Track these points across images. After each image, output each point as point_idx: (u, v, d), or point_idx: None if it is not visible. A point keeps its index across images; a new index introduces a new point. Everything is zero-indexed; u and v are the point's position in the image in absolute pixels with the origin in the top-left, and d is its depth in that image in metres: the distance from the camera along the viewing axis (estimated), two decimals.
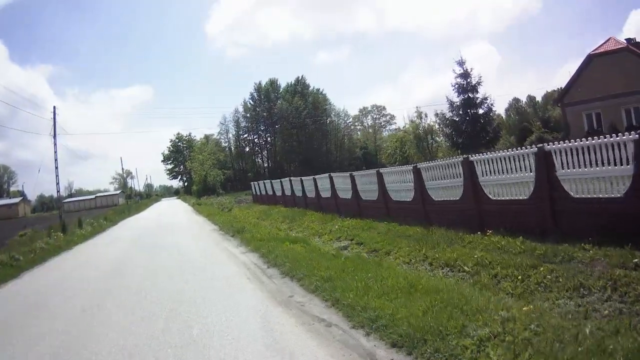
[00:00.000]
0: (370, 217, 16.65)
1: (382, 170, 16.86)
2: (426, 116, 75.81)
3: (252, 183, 44.48)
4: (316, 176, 24.89)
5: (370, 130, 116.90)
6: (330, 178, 21.88)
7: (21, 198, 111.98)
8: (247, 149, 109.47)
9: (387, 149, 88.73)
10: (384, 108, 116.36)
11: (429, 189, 13.53)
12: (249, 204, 40.82)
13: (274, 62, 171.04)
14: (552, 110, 64.63)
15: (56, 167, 33.12)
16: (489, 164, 11.19)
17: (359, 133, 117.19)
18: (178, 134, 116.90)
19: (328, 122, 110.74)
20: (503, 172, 10.77)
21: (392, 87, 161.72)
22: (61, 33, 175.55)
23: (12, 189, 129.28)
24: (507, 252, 9.12)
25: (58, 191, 34.12)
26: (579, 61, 38.99)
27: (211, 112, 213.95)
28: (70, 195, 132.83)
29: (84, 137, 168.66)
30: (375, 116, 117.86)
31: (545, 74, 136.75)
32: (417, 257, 10.46)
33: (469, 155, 12.18)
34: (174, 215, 36.53)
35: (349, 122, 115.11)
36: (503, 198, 10.84)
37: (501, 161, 10.81)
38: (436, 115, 67.02)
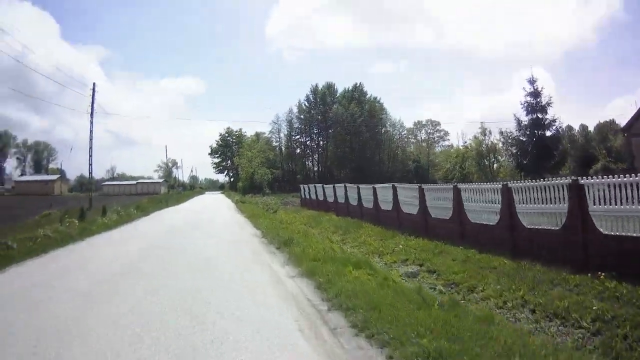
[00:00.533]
0: (440, 239, 14.47)
1: (461, 185, 14.88)
2: (490, 133, 72.67)
3: (301, 185, 41.26)
4: (377, 185, 22.68)
5: (424, 145, 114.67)
6: (394, 189, 19.75)
7: (58, 176, 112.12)
8: (298, 151, 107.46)
9: (444, 164, 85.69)
10: (439, 123, 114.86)
11: (519, 213, 11.62)
12: (296, 208, 38.17)
13: (330, 69, 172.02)
14: (613, 139, 61.75)
15: (90, 147, 31.00)
16: (605, 190, 9.21)
17: (412, 146, 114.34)
18: (228, 128, 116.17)
19: (383, 131, 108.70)
20: (621, 202, 8.84)
21: (444, 103, 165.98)
22: (118, 17, 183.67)
23: (51, 166, 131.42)
24: (632, 305, 7.25)
25: (90, 172, 32.25)
26: (630, 94, 36.36)
27: (261, 112, 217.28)
28: (113, 179, 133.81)
29: (131, 122, 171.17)
30: (429, 131, 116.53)
31: (595, 104, 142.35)
32: (513, 300, 8.29)
33: (579, 178, 10.11)
34: (214, 211, 33.16)
35: (404, 134, 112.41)
36: (620, 234, 8.84)
37: (623, 188, 8.86)
38: (501, 133, 63.61)
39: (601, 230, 9.19)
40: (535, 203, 11.11)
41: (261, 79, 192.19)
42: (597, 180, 9.57)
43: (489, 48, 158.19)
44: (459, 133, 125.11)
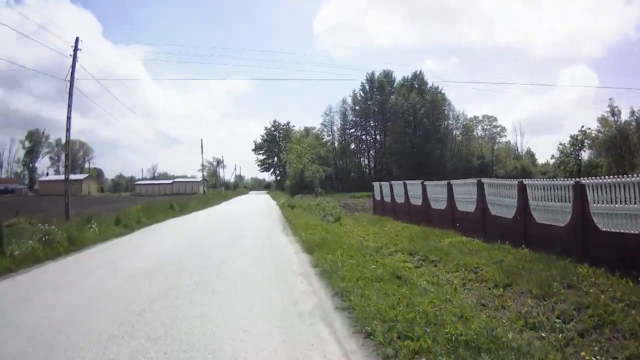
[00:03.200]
0: None
1: None
2: (620, 113, 59.21)
3: (375, 184, 30.04)
4: (486, 180, 15.64)
5: (482, 141, 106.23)
6: (522, 186, 12.72)
7: (87, 175, 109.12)
8: (352, 146, 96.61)
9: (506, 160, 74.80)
10: (495, 119, 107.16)
11: None
12: (367, 214, 27.86)
13: (378, 67, 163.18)
14: None
15: (67, 130, 22.01)
16: None
17: (476, 141, 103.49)
18: (274, 121, 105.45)
19: (445, 125, 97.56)
20: None
21: (492, 101, 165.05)
22: (163, 17, 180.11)
23: (87, 165, 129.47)
24: None
25: (67, 166, 23.43)
26: None
27: (309, 111, 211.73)
28: (154, 178, 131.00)
29: (178, 122, 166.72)
30: (485, 126, 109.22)
31: None
32: None
33: None
34: (251, 220, 22.06)
35: (462, 129, 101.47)
36: None
37: None
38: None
39: None
40: None
41: (309, 78, 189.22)
42: None
43: (537, 45, 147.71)
44: (516, 127, 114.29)
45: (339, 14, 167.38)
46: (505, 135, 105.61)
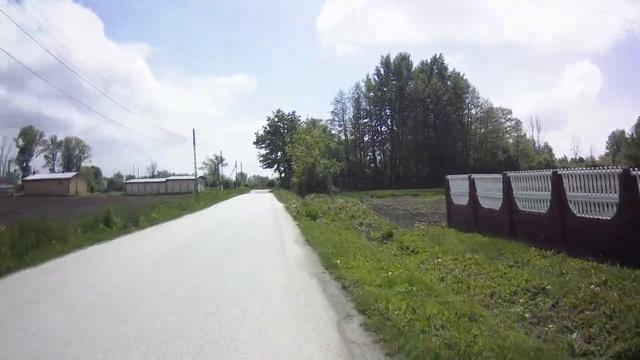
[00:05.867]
0: None
1: None
2: None
3: (449, 177, 18.70)
4: None
5: (506, 134, 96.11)
6: None
7: (75, 174, 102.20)
8: (366, 138, 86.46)
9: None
10: (510, 112, 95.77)
11: None
12: (439, 228, 18.10)
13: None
14: None
15: None
16: None
17: (500, 132, 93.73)
18: (278, 111, 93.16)
19: (468, 114, 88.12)
20: None
21: (497, 97, 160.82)
22: (162, 15, 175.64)
23: (83, 164, 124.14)
24: None
25: None
26: None
27: (313, 106, 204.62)
28: (153, 177, 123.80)
29: (181, 120, 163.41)
30: (500, 120, 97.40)
31: None
32: None
33: None
34: (246, 249, 12.00)
35: (486, 118, 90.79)
36: None
37: None
38: None
39: None
40: None
41: (313, 75, 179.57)
42: None
43: (539, 41, 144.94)
44: (533, 121, 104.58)
45: (341, 12, 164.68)
46: (521, 129, 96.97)
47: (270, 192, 74.24)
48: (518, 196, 12.90)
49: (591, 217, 10.38)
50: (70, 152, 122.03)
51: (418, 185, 66.09)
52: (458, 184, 17.43)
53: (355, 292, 6.96)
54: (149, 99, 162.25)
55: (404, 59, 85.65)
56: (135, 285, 7.87)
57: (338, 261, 9.12)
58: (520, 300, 8.36)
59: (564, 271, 9.37)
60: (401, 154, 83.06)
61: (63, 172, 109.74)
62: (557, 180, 11.33)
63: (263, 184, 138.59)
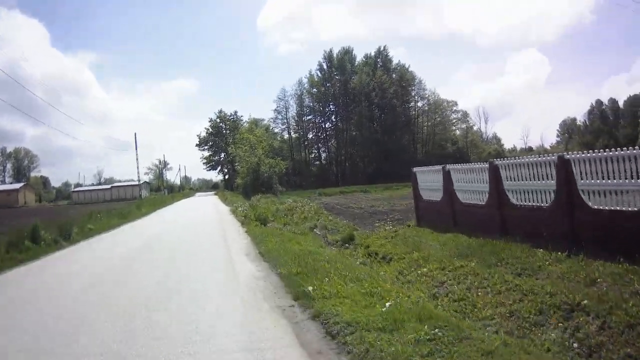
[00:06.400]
0: None
1: None
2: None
3: (415, 170, 16.40)
4: None
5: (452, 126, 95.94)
6: None
7: (23, 184, 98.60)
8: (311, 135, 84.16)
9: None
10: (456, 104, 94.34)
11: None
12: (403, 227, 15.98)
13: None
14: None
15: None
16: None
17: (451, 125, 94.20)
18: (220, 111, 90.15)
19: (415, 107, 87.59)
20: None
21: (442, 90, 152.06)
22: (106, 21, 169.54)
23: (32, 174, 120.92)
24: None
25: None
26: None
27: (257, 107, 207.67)
28: (100, 184, 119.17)
29: (126, 127, 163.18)
30: (447, 112, 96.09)
31: (595, 84, 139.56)
32: None
33: None
34: (184, 272, 9.06)
35: (434, 111, 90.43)
36: None
37: None
38: None
39: None
40: None
41: (256, 74, 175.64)
42: None
43: (484, 32, 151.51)
44: (480, 110, 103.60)
45: (281, 9, 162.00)
46: (468, 121, 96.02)
47: (215, 194, 70.60)
48: (510, 188, 10.72)
49: (611, 208, 8.33)
50: (20, 163, 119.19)
51: (366, 182, 64.78)
52: (428, 177, 15.19)
53: (355, 348, 4.34)
54: (96, 107, 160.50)
55: (347, 52, 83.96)
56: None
57: (310, 287, 6.43)
58: (552, 322, 6.23)
59: (594, 279, 7.28)
60: (347, 150, 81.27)
61: (11, 183, 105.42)
62: (562, 165, 9.18)
63: (207, 186, 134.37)
